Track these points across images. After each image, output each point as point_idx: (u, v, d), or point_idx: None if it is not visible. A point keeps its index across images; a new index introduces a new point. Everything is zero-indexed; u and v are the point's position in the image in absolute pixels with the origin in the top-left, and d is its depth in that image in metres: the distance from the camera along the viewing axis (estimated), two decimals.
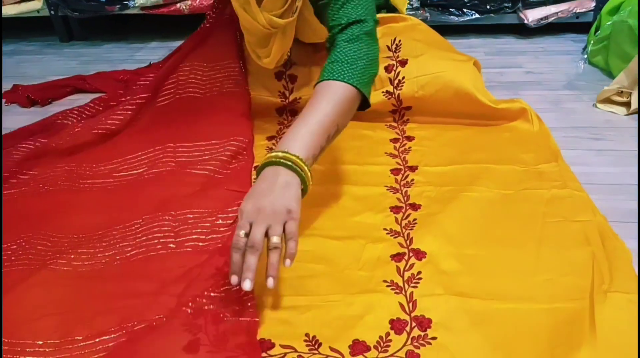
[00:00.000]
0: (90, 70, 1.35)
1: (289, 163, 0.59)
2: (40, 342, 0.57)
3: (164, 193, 0.80)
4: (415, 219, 0.73)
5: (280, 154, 0.60)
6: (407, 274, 0.64)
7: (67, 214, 0.77)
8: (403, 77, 0.96)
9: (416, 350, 0.54)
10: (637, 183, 0.80)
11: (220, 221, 0.74)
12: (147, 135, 0.93)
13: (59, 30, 1.67)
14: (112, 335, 0.58)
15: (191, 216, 0.75)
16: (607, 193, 0.78)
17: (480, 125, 0.96)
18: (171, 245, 0.70)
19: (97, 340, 0.57)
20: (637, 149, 0.90)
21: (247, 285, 0.53)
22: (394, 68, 0.97)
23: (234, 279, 0.55)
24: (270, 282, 0.55)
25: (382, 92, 0.97)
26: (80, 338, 0.58)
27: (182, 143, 0.90)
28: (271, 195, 0.57)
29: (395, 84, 0.96)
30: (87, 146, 0.93)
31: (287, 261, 0.57)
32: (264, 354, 0.55)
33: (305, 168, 0.60)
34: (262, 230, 0.55)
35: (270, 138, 0.96)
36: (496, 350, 0.53)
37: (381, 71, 0.96)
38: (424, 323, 0.57)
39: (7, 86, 1.27)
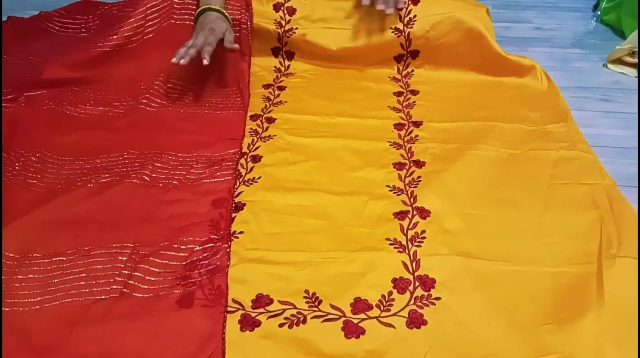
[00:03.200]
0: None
1: (215, 9, 0.86)
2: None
3: (152, 132, 0.78)
4: (419, 177, 0.70)
5: (205, 8, 0.86)
6: (410, 233, 0.61)
7: (61, 136, 0.77)
8: (415, 15, 0.90)
9: (419, 310, 0.52)
10: None
11: (200, 165, 0.72)
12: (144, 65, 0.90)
13: None
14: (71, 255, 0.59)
15: (173, 158, 0.73)
16: (615, 156, 0.76)
17: (488, 79, 0.90)
18: (145, 178, 0.69)
19: (54, 259, 0.58)
20: None
21: (183, 61, 0.79)
22: (406, 5, 0.91)
23: (175, 60, 0.79)
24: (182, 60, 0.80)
25: (391, 29, 0.91)
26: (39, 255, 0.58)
27: (176, 81, 0.88)
28: (206, 24, 0.84)
29: (405, 22, 0.90)
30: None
31: (205, 61, 0.79)
32: (262, 310, 0.53)
33: (225, 12, 0.87)
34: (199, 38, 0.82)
35: (266, 86, 0.90)
36: (500, 311, 0.52)
37: None
38: (427, 283, 0.55)
39: None
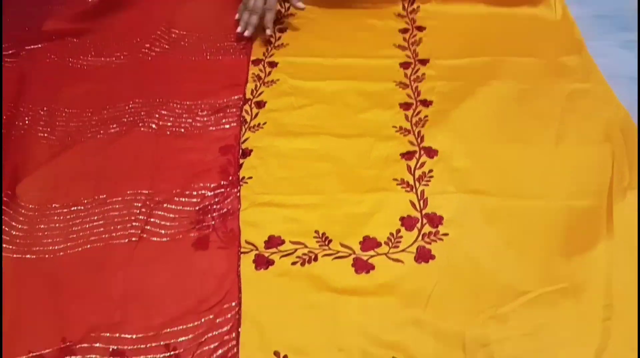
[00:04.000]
0: None
1: None
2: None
3: (156, 81, 0.77)
4: (426, 116, 0.69)
5: None
6: (418, 172, 0.61)
7: (66, 88, 0.76)
8: None
9: (427, 246, 0.53)
10: None
11: (205, 112, 0.71)
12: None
13: None
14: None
15: (178, 106, 0.73)
16: (631, 88, 0.73)
17: (498, 11, 0.86)
18: (153, 126, 0.69)
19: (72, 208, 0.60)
20: None
21: (247, 33, 0.81)
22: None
23: (240, 29, 0.81)
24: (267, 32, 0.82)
25: None
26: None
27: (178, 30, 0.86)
28: None
29: None
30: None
31: (267, 30, 0.81)
32: (274, 250, 0.55)
33: None
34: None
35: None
36: (509, 246, 0.53)
37: None
38: (435, 220, 0.56)
39: None
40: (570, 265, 0.50)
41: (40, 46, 0.82)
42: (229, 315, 0.49)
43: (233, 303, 0.50)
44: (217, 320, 0.49)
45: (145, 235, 0.56)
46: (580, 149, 0.62)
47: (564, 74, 0.74)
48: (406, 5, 0.90)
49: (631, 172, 0.58)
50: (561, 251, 0.51)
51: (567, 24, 0.84)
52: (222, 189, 0.61)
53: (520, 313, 0.47)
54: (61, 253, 0.55)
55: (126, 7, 0.87)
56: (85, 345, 0.48)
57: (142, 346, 0.48)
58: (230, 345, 0.47)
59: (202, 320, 0.49)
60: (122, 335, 0.48)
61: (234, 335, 0.48)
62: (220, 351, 0.47)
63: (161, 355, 0.47)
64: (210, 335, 0.48)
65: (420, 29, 0.85)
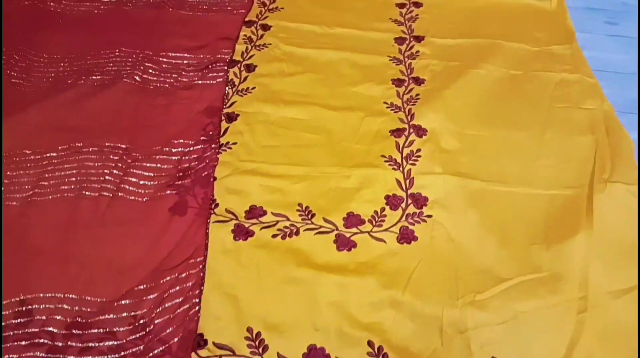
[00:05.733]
0: None
1: None
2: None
3: (143, 32, 0.69)
4: (418, 95, 0.63)
5: None
6: (406, 150, 0.56)
7: (45, 33, 0.67)
8: None
9: (410, 227, 0.49)
10: None
11: (191, 68, 0.64)
12: None
13: None
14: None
15: (165, 60, 0.65)
16: (616, 81, 0.69)
17: None
18: (137, 78, 0.62)
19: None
20: None
21: None
22: None
23: None
24: None
25: None
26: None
27: None
28: None
29: None
30: None
31: None
32: (255, 220, 0.49)
33: None
34: None
35: None
36: (491, 230, 0.49)
37: None
38: (420, 200, 0.51)
39: None
40: (549, 254, 0.46)
41: None
42: (194, 271, 0.44)
43: (199, 259, 0.45)
44: (182, 275, 0.44)
45: (120, 194, 0.50)
46: (565, 139, 0.58)
47: (554, 63, 0.69)
48: None
49: (612, 165, 0.55)
50: (541, 239, 0.48)
51: (561, 14, 0.78)
52: (203, 153, 0.54)
53: (499, 300, 0.43)
54: (29, 200, 0.48)
55: None
56: (49, 306, 0.42)
57: (106, 310, 0.42)
58: (193, 302, 0.43)
59: (168, 277, 0.44)
60: (87, 298, 0.43)
61: (197, 291, 0.43)
62: (183, 307, 0.42)
63: (124, 314, 0.42)
64: (173, 290, 0.43)
65: (417, 5, 0.78)
